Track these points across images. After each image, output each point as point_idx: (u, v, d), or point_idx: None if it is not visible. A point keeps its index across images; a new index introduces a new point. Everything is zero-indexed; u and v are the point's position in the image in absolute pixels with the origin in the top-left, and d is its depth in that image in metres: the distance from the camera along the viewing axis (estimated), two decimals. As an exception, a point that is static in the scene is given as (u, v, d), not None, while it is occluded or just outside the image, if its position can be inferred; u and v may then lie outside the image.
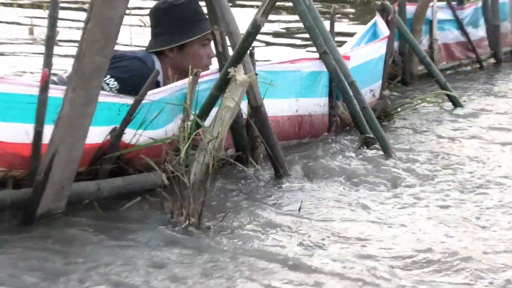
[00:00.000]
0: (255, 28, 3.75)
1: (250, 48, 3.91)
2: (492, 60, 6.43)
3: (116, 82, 4.22)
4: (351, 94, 4.48)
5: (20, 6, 11.25)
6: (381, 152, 4.27)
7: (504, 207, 3.73)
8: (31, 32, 7.65)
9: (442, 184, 4.06)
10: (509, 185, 4.12)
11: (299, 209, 3.54)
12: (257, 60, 4.24)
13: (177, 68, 4.50)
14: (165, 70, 4.52)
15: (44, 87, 3.14)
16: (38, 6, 11.12)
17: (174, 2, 4.27)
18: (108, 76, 4.15)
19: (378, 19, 5.60)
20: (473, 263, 2.99)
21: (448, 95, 5.40)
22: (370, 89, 5.10)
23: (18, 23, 8.58)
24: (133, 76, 4.18)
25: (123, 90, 4.08)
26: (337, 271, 2.93)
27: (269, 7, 3.73)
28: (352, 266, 2.98)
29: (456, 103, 5.37)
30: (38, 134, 3.14)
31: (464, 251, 3.12)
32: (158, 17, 4.42)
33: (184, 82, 3.77)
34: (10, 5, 11.23)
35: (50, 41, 3.21)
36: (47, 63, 3.13)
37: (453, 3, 6.10)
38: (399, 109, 5.19)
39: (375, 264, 2.98)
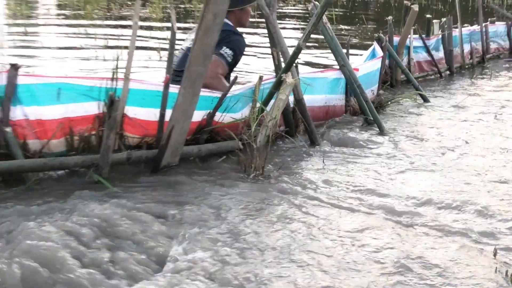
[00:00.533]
0: (298, 50, 4.35)
1: (295, 62, 4.50)
2: (447, 72, 7.04)
3: (231, 51, 4.76)
4: (359, 92, 5.18)
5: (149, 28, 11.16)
6: (377, 129, 4.96)
7: (462, 159, 4.34)
8: (158, 52, 7.90)
9: (420, 149, 4.60)
10: (465, 146, 4.69)
11: (323, 165, 4.13)
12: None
13: (237, 22, 5.20)
14: (233, 22, 5.13)
15: (166, 86, 3.77)
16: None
17: None
18: (225, 47, 4.76)
19: (375, 45, 6.27)
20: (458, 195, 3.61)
21: (420, 94, 6.08)
22: (371, 89, 5.76)
23: (150, 48, 8.84)
24: (240, 46, 4.81)
25: (235, 55, 4.81)
26: (365, 209, 3.44)
27: (308, 35, 4.38)
28: (372, 203, 3.51)
29: (425, 99, 6.05)
30: (162, 115, 3.76)
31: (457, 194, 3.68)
32: None
33: (253, 83, 4.43)
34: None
35: (170, 57, 3.90)
36: (168, 71, 3.85)
37: (423, 35, 6.74)
38: (389, 103, 5.83)
39: (388, 201, 3.55)
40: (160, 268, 2.66)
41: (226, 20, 4.83)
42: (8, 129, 3.40)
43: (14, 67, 3.44)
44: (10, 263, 2.52)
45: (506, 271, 2.69)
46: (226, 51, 4.86)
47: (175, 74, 4.15)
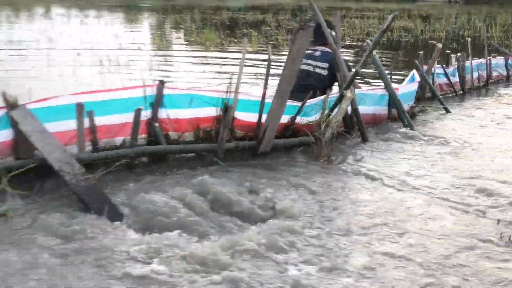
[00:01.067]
0: (355, 74, 4.62)
1: (353, 82, 4.71)
2: (461, 92, 7.05)
3: (327, 65, 4.96)
4: (398, 105, 5.30)
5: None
6: (411, 131, 5.03)
7: (474, 149, 4.54)
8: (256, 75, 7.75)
9: (442, 142, 4.75)
10: (475, 141, 4.80)
11: (371, 154, 4.33)
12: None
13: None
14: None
15: (263, 97, 4.02)
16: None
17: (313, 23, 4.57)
18: (323, 63, 5.02)
19: (414, 72, 6.17)
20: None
21: (444, 107, 6.05)
22: (408, 104, 5.71)
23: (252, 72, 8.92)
24: (333, 64, 4.80)
25: (329, 69, 4.96)
26: (403, 184, 3.70)
27: (364, 64, 4.70)
28: (407, 180, 3.77)
29: (447, 110, 6.07)
30: (259, 118, 4.02)
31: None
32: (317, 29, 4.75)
33: (322, 97, 4.55)
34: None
35: (266, 77, 4.08)
36: (265, 86, 4.08)
37: (444, 65, 6.76)
38: (419, 113, 5.94)
39: (422, 181, 3.77)
40: (250, 225, 2.90)
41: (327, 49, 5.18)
42: (156, 124, 3.77)
43: (161, 82, 3.78)
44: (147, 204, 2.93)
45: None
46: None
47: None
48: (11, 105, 3.22)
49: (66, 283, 2.31)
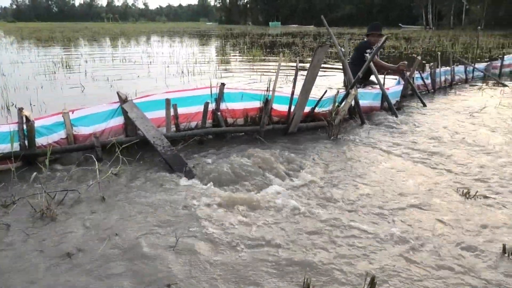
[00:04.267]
0: (358, 78, 4.39)
1: (356, 84, 4.46)
2: (432, 90, 6.61)
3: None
4: (388, 99, 4.93)
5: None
6: (396, 117, 4.68)
7: (446, 129, 3.99)
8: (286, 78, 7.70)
9: (419, 125, 4.42)
10: (447, 125, 4.43)
11: (368, 133, 4.12)
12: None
13: (370, 42, 5.77)
14: (369, 41, 5.77)
15: (292, 94, 3.90)
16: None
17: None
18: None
19: (400, 80, 5.80)
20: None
21: (421, 101, 5.60)
22: (395, 99, 5.35)
23: (285, 75, 8.61)
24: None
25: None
26: (395, 152, 3.52)
27: (364, 70, 4.41)
28: (397, 150, 3.56)
29: (423, 104, 5.56)
30: (289, 108, 3.95)
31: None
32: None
33: (333, 93, 4.33)
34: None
35: (295, 78, 3.87)
36: (293, 86, 3.88)
37: (420, 71, 6.45)
38: (404, 106, 5.47)
39: (405, 149, 3.58)
40: (279, 183, 2.76)
41: (366, 39, 5.55)
42: (218, 113, 3.76)
43: (222, 84, 3.76)
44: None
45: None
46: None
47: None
48: (123, 100, 3.33)
49: (156, 216, 2.33)
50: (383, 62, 5.93)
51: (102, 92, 5.98)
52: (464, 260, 1.98)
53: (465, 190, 2.76)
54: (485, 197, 2.69)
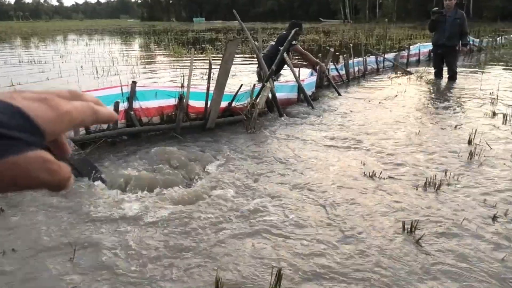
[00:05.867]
0: (271, 71, 4.41)
1: (271, 77, 4.46)
2: (346, 80, 6.85)
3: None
4: (304, 91, 4.98)
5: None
6: (311, 108, 4.81)
7: (358, 114, 4.17)
8: (202, 74, 7.72)
9: (333, 113, 4.55)
10: (359, 110, 4.51)
11: (286, 125, 4.14)
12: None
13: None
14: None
15: (207, 89, 3.79)
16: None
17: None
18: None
19: (314, 73, 5.96)
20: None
21: (336, 91, 5.79)
22: (311, 90, 5.44)
23: (200, 73, 8.63)
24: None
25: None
26: (311, 140, 3.59)
27: (277, 64, 4.52)
28: (313, 138, 3.64)
29: (338, 93, 5.73)
30: (206, 104, 3.87)
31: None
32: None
33: (250, 88, 4.29)
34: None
35: (209, 75, 3.97)
36: (208, 83, 3.94)
37: (334, 63, 6.67)
38: (320, 96, 5.61)
39: (318, 136, 3.63)
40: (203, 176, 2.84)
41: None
42: (131, 112, 3.61)
43: (134, 82, 3.60)
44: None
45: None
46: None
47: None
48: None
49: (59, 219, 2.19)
50: (310, 55, 6.01)
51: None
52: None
53: (371, 172, 2.90)
54: (390, 177, 2.85)
